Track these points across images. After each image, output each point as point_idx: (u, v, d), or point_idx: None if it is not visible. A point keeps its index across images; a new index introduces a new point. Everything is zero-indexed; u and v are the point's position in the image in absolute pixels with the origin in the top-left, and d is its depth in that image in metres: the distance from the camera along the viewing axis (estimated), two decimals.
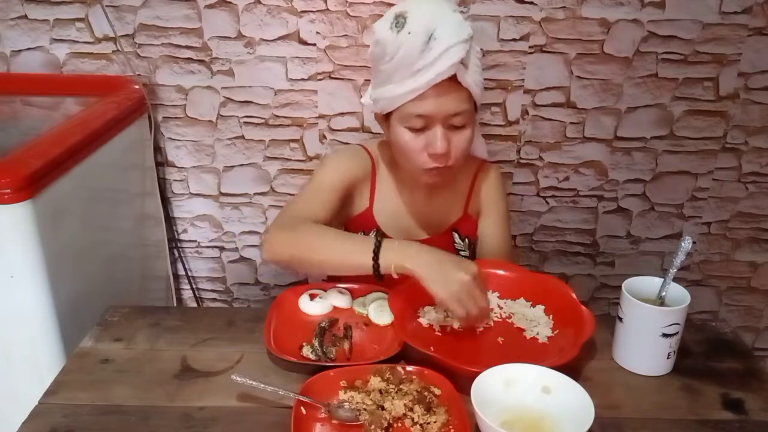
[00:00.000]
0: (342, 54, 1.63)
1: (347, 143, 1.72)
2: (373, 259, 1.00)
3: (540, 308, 1.10)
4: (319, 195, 1.18)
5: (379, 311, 1.09)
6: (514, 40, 1.62)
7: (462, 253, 1.28)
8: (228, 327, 1.09)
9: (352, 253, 1.04)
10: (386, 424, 0.85)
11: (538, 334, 1.04)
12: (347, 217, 1.26)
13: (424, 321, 1.07)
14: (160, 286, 1.83)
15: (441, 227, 1.28)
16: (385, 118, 1.16)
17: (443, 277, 0.97)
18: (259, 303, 1.93)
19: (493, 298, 1.11)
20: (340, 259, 1.05)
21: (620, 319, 1.00)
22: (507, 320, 1.08)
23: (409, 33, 1.03)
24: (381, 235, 1.18)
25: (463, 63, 1.05)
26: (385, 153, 1.26)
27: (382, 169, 1.26)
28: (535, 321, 1.07)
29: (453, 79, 1.06)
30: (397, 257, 0.99)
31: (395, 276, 1.01)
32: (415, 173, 1.16)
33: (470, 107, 1.11)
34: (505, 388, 0.87)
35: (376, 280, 1.03)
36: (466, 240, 1.28)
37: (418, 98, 1.06)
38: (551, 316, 1.08)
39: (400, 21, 1.05)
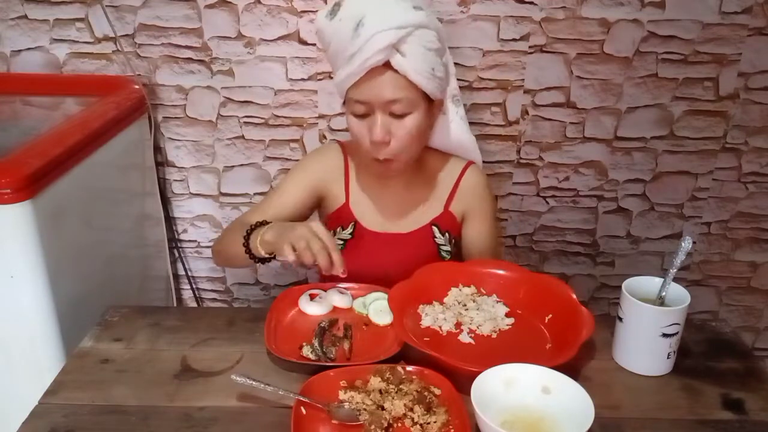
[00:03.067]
0: None
1: None
2: (244, 243, 1.08)
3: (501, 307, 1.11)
4: (275, 197, 1.24)
5: (379, 311, 1.09)
6: (514, 40, 1.62)
7: (443, 247, 1.26)
8: (228, 327, 1.10)
9: (236, 242, 1.11)
10: (386, 424, 0.85)
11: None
12: (325, 215, 1.29)
13: (424, 321, 1.07)
14: (160, 286, 1.83)
15: (420, 221, 1.26)
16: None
17: (285, 234, 1.02)
18: (259, 303, 1.93)
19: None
20: (235, 251, 1.12)
21: (620, 319, 1.00)
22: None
23: (340, 20, 1.07)
24: (354, 227, 1.24)
25: (398, 49, 1.05)
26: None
27: (357, 162, 1.26)
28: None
29: (388, 66, 1.05)
30: (265, 235, 1.05)
31: (264, 254, 1.07)
32: (368, 163, 1.18)
33: (412, 96, 1.08)
34: (505, 388, 0.87)
35: (255, 262, 1.10)
36: (447, 234, 1.26)
37: (355, 84, 1.08)
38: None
39: (335, 9, 1.09)
